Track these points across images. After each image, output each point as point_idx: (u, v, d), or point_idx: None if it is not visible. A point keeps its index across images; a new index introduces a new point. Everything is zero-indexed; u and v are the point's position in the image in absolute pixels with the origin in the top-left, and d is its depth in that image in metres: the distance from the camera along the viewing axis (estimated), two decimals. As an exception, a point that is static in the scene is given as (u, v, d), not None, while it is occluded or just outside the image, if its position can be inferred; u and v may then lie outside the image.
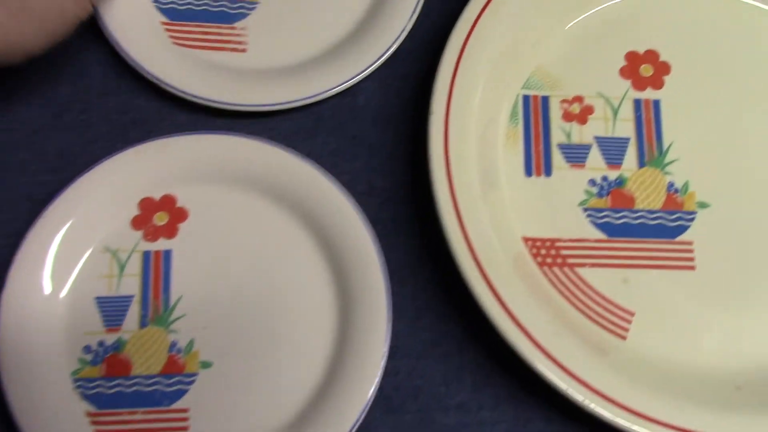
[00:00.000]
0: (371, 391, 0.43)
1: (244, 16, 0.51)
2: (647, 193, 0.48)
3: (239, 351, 0.45)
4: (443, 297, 0.47)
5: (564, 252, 0.46)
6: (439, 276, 0.47)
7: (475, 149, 0.46)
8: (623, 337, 0.45)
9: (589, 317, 0.45)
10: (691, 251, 0.47)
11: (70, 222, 0.46)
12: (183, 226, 0.47)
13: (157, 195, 0.47)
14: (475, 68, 0.47)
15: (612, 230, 0.47)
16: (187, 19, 0.51)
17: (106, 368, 0.44)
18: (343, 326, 0.45)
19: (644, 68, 0.50)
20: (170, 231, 0.47)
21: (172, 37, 0.50)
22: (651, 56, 0.50)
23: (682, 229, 0.47)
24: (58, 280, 0.45)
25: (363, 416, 0.43)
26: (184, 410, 0.44)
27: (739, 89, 0.50)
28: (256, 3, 0.51)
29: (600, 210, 0.47)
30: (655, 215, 0.47)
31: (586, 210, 0.47)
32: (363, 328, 0.44)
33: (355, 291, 0.45)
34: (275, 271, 0.46)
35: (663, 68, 0.50)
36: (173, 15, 0.51)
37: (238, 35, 0.50)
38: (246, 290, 0.46)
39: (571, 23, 0.50)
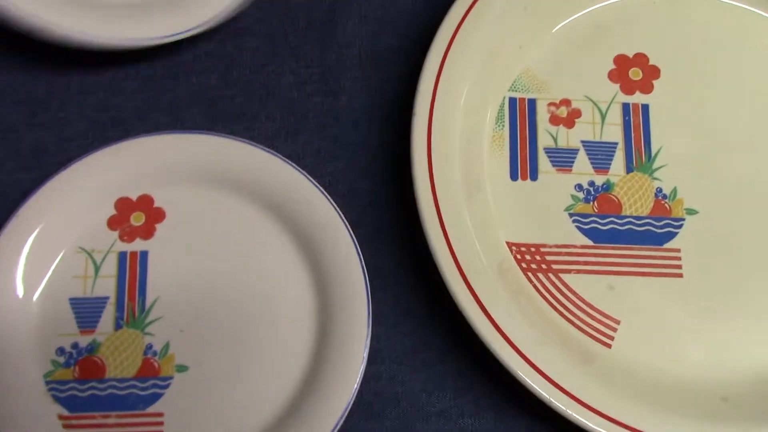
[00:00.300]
0: (350, 397, 0.42)
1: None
2: (635, 199, 0.47)
3: (216, 355, 0.44)
4: (426, 303, 0.46)
5: (549, 258, 0.46)
6: (422, 281, 0.46)
7: (460, 152, 0.46)
8: (608, 346, 0.44)
9: (574, 324, 0.44)
10: (678, 258, 0.46)
11: (44, 222, 0.45)
12: (160, 227, 0.46)
13: (134, 195, 0.46)
14: (461, 69, 0.46)
15: (598, 236, 0.46)
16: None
17: (80, 371, 0.44)
18: (323, 331, 0.44)
19: (633, 72, 0.49)
20: (147, 232, 0.46)
21: None
22: (640, 60, 0.49)
23: (670, 236, 0.46)
24: (31, 282, 0.44)
25: (341, 422, 0.42)
26: (159, 414, 0.43)
27: (728, 94, 0.49)
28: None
29: (586, 215, 0.46)
30: (642, 221, 0.46)
31: (572, 215, 0.46)
32: (342, 333, 0.43)
33: (335, 295, 0.44)
34: (254, 274, 0.45)
35: (652, 72, 0.49)
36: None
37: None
38: (224, 293, 0.45)
39: (560, 25, 0.50)
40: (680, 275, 0.46)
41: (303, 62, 0.49)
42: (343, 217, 0.45)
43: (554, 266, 0.45)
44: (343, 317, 0.44)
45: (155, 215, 0.46)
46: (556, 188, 0.47)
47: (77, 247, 0.45)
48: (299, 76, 0.49)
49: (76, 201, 0.46)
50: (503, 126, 0.48)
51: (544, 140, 0.48)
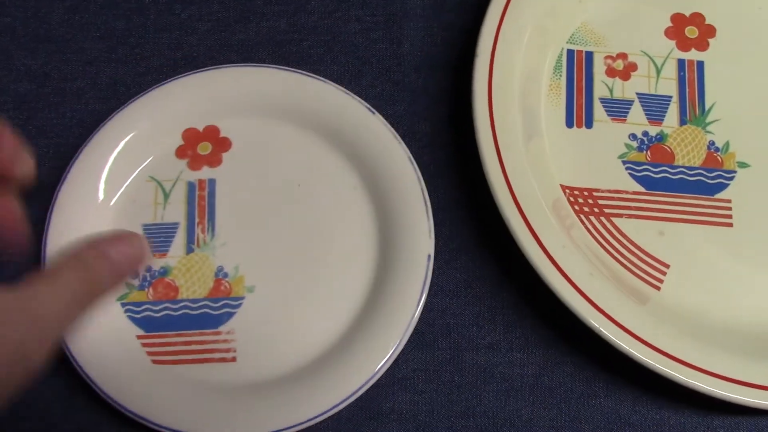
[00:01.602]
0: (409, 323, 0.43)
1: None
2: (687, 150, 0.48)
3: (282, 277, 0.46)
4: (479, 240, 0.47)
5: (601, 202, 0.47)
6: (476, 220, 0.48)
7: (518, 97, 0.47)
8: (657, 288, 0.45)
9: (625, 266, 0.46)
10: (729, 209, 0.47)
11: (116, 150, 0.47)
12: (226, 156, 0.48)
13: (200, 126, 0.48)
14: (522, 19, 0.48)
15: (651, 184, 0.47)
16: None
17: (154, 293, 0.45)
18: (384, 259, 0.45)
19: (689, 30, 0.50)
20: (214, 160, 0.48)
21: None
22: (697, 19, 0.50)
23: (722, 187, 0.47)
24: (105, 208, 0.47)
25: (399, 349, 0.43)
26: (231, 332, 0.45)
27: (783, 56, 0.50)
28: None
29: (639, 164, 0.48)
30: (694, 171, 0.47)
31: (625, 163, 0.48)
32: (404, 261, 0.45)
33: (397, 226, 0.46)
34: (317, 202, 0.47)
35: (708, 31, 0.50)
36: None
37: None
38: (287, 219, 0.47)
39: (619, -18, 0.51)
40: (730, 225, 0.47)
41: (368, 10, 0.51)
42: (408, 152, 0.46)
43: (606, 210, 0.47)
44: (405, 247, 0.45)
45: (221, 144, 0.48)
46: (611, 136, 0.48)
47: (147, 175, 0.48)
48: (364, 23, 0.51)
49: (145, 131, 0.48)
50: (561, 75, 0.49)
51: (600, 91, 0.49)
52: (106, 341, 0.44)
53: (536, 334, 0.46)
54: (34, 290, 0.30)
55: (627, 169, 0.47)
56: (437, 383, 0.45)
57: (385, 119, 0.48)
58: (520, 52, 0.48)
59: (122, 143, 0.47)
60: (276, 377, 0.43)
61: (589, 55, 0.50)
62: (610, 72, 0.49)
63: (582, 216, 0.46)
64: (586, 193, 0.47)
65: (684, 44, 0.50)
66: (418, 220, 0.45)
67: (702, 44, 0.50)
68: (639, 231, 0.46)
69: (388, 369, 0.43)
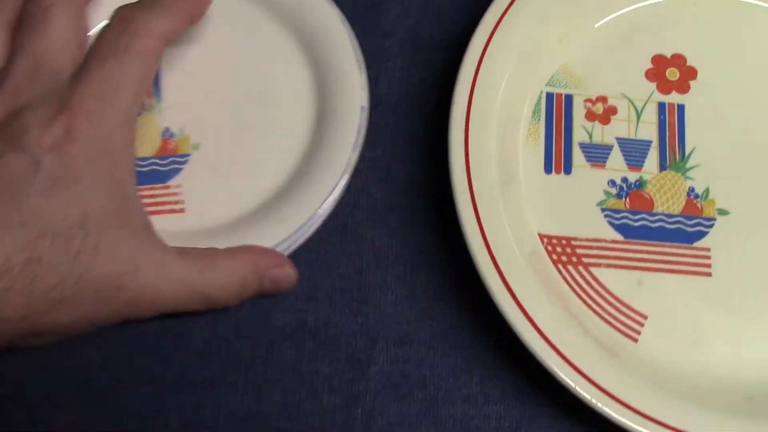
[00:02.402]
0: (345, 167, 0.46)
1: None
2: (667, 197, 0.47)
3: (226, 134, 0.48)
4: (456, 288, 0.47)
5: (579, 251, 0.46)
6: (453, 267, 0.47)
7: (496, 143, 0.46)
8: (635, 340, 0.45)
9: (602, 317, 0.45)
10: (708, 257, 0.46)
11: None
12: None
13: None
14: (500, 62, 0.47)
15: (629, 232, 0.47)
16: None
17: None
18: (322, 112, 0.48)
19: (670, 72, 0.50)
20: None
21: None
22: (678, 60, 0.50)
23: (701, 235, 0.47)
24: None
25: (338, 191, 0.46)
26: (179, 186, 0.48)
27: (764, 99, 0.49)
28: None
29: (618, 211, 0.47)
30: (673, 219, 0.47)
31: (604, 210, 0.47)
32: (340, 112, 0.47)
33: (332, 82, 0.48)
34: (256, 65, 0.50)
35: (689, 73, 0.50)
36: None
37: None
38: (228, 82, 0.50)
39: (599, 23, 0.50)
40: (709, 274, 0.46)
41: (345, 49, 0.51)
42: (341, 14, 0.49)
43: (584, 259, 0.46)
44: (340, 99, 0.48)
45: None
46: (590, 183, 0.47)
47: None
48: (341, 62, 0.50)
49: None
50: (539, 119, 0.48)
51: (579, 135, 0.48)
52: None
53: (513, 386, 0.45)
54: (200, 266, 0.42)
55: (606, 216, 0.47)
56: (412, 437, 0.44)
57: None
58: (498, 97, 0.47)
59: None
60: (220, 225, 0.47)
61: (569, 99, 0.49)
62: (590, 116, 0.49)
63: (560, 266, 0.46)
64: (564, 242, 0.46)
65: (665, 87, 0.49)
66: (351, 75, 0.48)
67: (683, 87, 0.49)
68: (617, 281, 0.46)
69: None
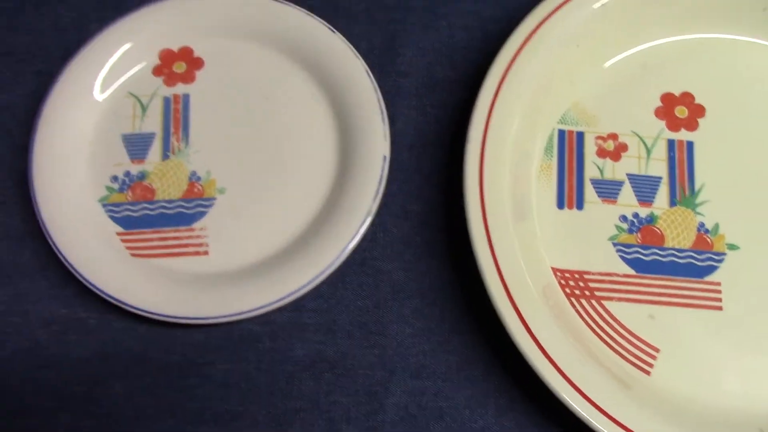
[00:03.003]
0: (365, 218, 0.47)
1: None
2: (677, 232, 0.48)
3: (250, 180, 0.50)
4: (471, 321, 0.48)
5: (592, 285, 0.47)
6: (468, 301, 0.48)
7: (509, 179, 0.47)
8: (647, 373, 0.46)
9: (615, 350, 0.46)
10: (719, 291, 0.47)
11: (100, 67, 0.51)
12: (199, 74, 0.52)
13: (175, 46, 0.53)
14: (513, 100, 0.48)
15: (641, 266, 0.48)
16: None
17: (132, 194, 0.50)
18: (344, 161, 0.49)
19: (679, 110, 0.51)
20: (188, 77, 0.52)
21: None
22: (687, 98, 0.51)
23: (711, 269, 0.48)
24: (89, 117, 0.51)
25: (354, 243, 0.46)
26: (203, 229, 0.49)
27: (772, 135, 0.51)
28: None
29: (630, 246, 0.48)
30: (684, 254, 0.48)
31: (615, 245, 0.48)
32: (362, 161, 0.48)
33: (355, 131, 0.49)
34: (282, 112, 0.51)
35: (698, 111, 0.51)
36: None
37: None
38: (255, 128, 0.51)
39: (610, 62, 0.52)
40: (720, 308, 0.47)
41: (362, 88, 0.52)
42: (366, 66, 0.50)
43: (597, 293, 0.47)
44: (362, 149, 0.49)
45: (195, 63, 0.53)
46: (601, 218, 0.49)
47: (126, 92, 0.52)
48: (358, 101, 0.52)
49: (124, 51, 0.52)
50: (552, 156, 0.50)
51: (590, 171, 0.49)
52: (90, 238, 0.48)
53: (528, 418, 0.46)
54: None
55: (618, 251, 0.48)
56: (429, 468, 0.45)
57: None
58: (512, 135, 0.48)
59: (108, 62, 0.52)
60: (242, 268, 0.48)
61: (580, 136, 0.50)
62: (601, 152, 0.50)
63: (573, 299, 0.47)
64: (576, 276, 0.47)
65: (674, 124, 0.51)
66: (374, 125, 0.49)
67: (692, 124, 0.51)
68: (629, 314, 0.47)
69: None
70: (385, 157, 0.48)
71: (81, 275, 0.47)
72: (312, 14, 0.51)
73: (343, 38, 0.51)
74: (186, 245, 0.49)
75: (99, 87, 0.51)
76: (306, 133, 0.51)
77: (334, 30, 0.51)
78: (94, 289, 0.46)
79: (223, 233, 0.49)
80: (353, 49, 0.50)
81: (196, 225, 0.49)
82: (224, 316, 0.46)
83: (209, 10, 0.52)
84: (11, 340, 0.48)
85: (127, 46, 0.52)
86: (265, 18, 0.52)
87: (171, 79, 0.52)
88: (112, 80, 0.52)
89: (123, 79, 0.52)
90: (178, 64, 0.52)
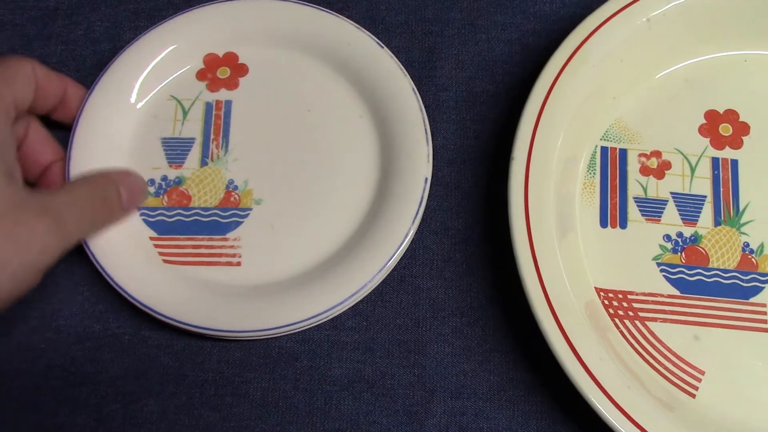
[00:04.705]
0: (403, 239, 0.46)
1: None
2: (722, 252, 0.48)
3: (288, 193, 0.49)
4: (512, 341, 0.47)
5: (636, 305, 0.46)
6: (510, 320, 0.47)
7: (553, 197, 0.47)
8: (692, 395, 0.45)
9: (659, 372, 0.45)
10: (764, 313, 0.46)
11: (143, 70, 0.51)
12: (243, 80, 0.52)
13: (220, 52, 0.52)
14: (558, 116, 0.48)
15: (685, 287, 0.47)
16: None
17: (168, 199, 0.49)
18: (385, 181, 0.48)
19: (723, 127, 0.50)
20: (231, 84, 0.52)
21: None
22: (731, 116, 0.50)
23: (757, 290, 0.47)
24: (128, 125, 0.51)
25: (392, 264, 0.46)
26: (237, 239, 0.48)
27: (817, 154, 0.50)
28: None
29: (674, 266, 0.47)
30: (729, 274, 0.47)
31: (659, 265, 0.47)
32: (403, 183, 0.47)
33: (398, 151, 0.48)
34: (325, 127, 0.50)
35: (742, 128, 0.50)
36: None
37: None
38: (296, 140, 0.50)
39: (653, 79, 0.51)
40: (766, 330, 0.46)
41: (401, 102, 0.51)
42: (413, 84, 0.49)
43: (641, 314, 0.46)
44: (404, 169, 0.48)
45: (239, 70, 0.52)
46: (645, 237, 0.48)
47: (168, 95, 0.51)
48: (397, 115, 0.51)
49: (169, 54, 0.51)
50: (595, 174, 0.49)
51: (634, 190, 0.49)
52: (123, 241, 0.47)
53: (570, 440, 0.45)
54: (55, 196, 0.40)
55: (662, 271, 0.47)
56: (470, 490, 0.44)
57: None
58: (555, 152, 0.47)
59: (151, 64, 0.51)
60: (276, 281, 0.47)
61: (623, 153, 0.49)
62: (644, 170, 0.49)
63: (617, 320, 0.46)
64: (620, 296, 0.47)
65: (718, 142, 0.50)
66: (418, 146, 0.48)
67: (736, 142, 0.50)
68: (673, 336, 0.46)
69: None
70: (426, 179, 0.47)
71: (113, 279, 0.45)
72: (361, 27, 0.50)
73: (392, 54, 0.50)
74: (219, 255, 0.48)
75: (138, 88, 0.51)
76: (347, 148, 0.50)
77: (383, 45, 0.50)
78: (123, 293, 0.45)
79: (258, 245, 0.48)
80: (401, 66, 0.49)
81: (230, 235, 0.48)
82: (257, 331, 0.45)
83: (256, 16, 0.51)
84: (45, 356, 0.47)
85: (172, 47, 0.51)
86: (312, 28, 0.51)
87: (214, 84, 0.51)
88: (155, 82, 0.51)
89: (166, 81, 0.51)
90: (222, 70, 0.52)
